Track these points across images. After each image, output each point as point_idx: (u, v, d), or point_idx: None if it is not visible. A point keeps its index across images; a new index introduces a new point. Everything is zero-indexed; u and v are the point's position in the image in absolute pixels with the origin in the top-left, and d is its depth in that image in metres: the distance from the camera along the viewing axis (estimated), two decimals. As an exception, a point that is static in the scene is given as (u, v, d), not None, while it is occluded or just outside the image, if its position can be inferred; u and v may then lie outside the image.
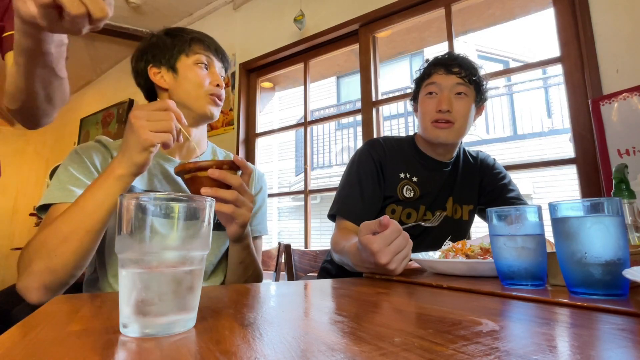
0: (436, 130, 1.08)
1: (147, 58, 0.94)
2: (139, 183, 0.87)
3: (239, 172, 0.75)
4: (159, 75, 0.93)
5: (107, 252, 0.83)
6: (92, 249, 0.69)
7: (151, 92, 0.99)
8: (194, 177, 0.69)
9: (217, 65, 0.97)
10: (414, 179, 1.13)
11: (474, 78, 1.08)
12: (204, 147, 1.03)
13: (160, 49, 0.94)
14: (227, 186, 0.70)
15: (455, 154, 1.18)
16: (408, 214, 1.11)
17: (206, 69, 0.95)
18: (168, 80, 0.93)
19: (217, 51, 0.98)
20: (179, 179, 0.90)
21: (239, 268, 0.86)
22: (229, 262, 0.89)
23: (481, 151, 1.27)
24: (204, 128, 1.02)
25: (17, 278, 0.66)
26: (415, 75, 1.19)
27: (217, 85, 0.93)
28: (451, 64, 1.09)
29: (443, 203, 1.15)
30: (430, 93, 1.10)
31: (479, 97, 1.11)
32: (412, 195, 1.11)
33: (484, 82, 1.12)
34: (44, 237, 0.66)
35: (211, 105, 0.93)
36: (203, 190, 0.67)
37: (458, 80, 1.08)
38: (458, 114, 1.07)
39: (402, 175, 1.12)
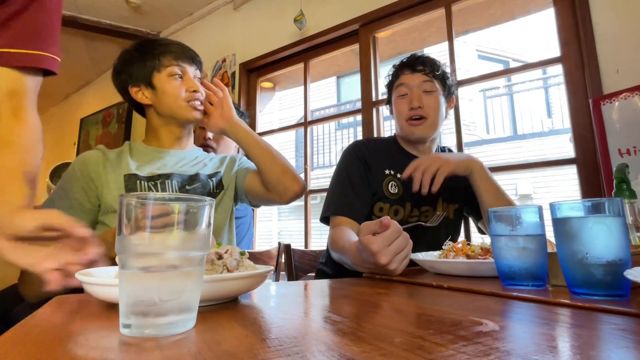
0: (411, 127, 1.14)
1: (124, 77, 1.02)
2: (145, 172, 0.97)
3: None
4: (140, 93, 1.01)
5: None
6: None
7: (138, 106, 1.06)
8: None
9: (191, 70, 1.02)
10: (398, 175, 1.15)
11: (437, 73, 1.15)
12: (191, 146, 1.12)
13: (133, 67, 1.01)
14: None
15: (435, 150, 1.22)
16: (396, 211, 1.13)
17: (180, 77, 1.00)
18: (149, 97, 1.01)
19: (187, 57, 1.02)
20: (169, 169, 1.01)
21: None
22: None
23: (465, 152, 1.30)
24: (187, 129, 1.09)
25: (19, 285, 0.75)
26: (386, 81, 1.26)
27: (194, 91, 1.00)
28: (415, 63, 1.16)
29: (431, 201, 1.15)
30: (401, 95, 1.17)
31: (446, 90, 1.18)
32: (396, 191, 1.13)
33: (449, 77, 1.19)
34: None
35: (192, 111, 1.00)
36: None
37: (424, 77, 1.14)
38: (429, 108, 1.13)
39: (387, 171, 1.15)
